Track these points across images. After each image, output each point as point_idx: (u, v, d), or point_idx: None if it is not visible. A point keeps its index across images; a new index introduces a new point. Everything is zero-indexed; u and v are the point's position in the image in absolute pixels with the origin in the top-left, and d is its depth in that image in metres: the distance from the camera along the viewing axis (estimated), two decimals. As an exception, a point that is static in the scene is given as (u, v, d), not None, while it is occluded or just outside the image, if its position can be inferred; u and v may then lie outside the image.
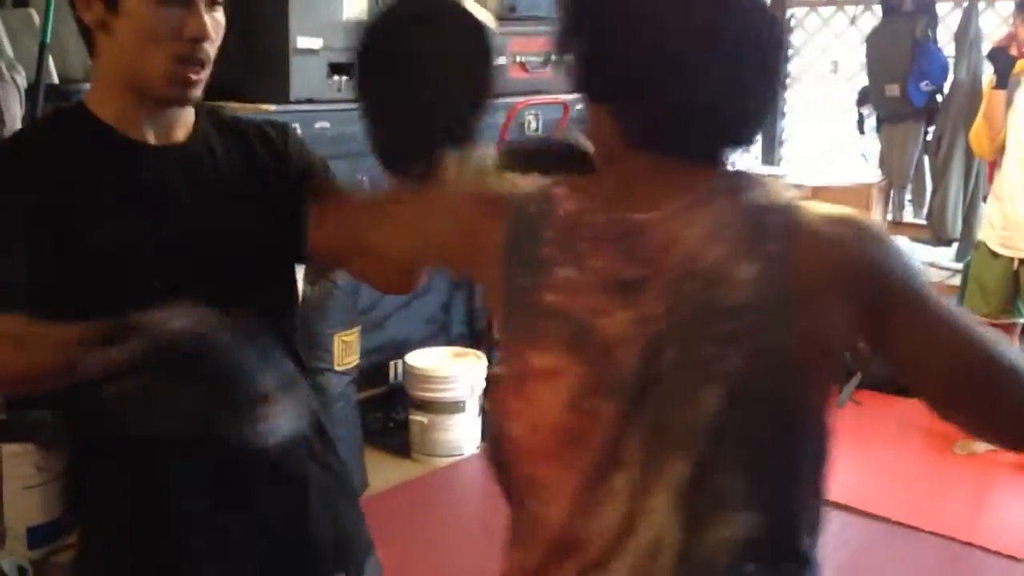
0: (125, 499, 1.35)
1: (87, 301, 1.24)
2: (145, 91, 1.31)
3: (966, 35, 4.92)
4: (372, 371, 4.00)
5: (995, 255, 3.82)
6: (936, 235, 5.08)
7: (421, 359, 3.95)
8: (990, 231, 3.89)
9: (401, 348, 4.01)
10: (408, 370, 3.91)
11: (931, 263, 5.07)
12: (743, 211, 1.00)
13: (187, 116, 1.40)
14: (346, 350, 3.46)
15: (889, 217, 5.39)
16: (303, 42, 3.29)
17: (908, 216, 5.42)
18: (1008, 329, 3.82)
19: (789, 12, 5.90)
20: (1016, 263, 3.78)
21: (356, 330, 3.51)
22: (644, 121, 1.01)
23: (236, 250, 1.38)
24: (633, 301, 0.99)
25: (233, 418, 1.11)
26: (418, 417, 3.88)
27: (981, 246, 3.95)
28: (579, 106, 4.48)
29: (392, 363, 4.11)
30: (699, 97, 0.98)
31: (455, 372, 3.89)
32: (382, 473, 3.70)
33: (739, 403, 0.96)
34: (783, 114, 6.10)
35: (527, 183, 1.11)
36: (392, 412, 4.07)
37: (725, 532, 0.97)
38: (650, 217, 1.00)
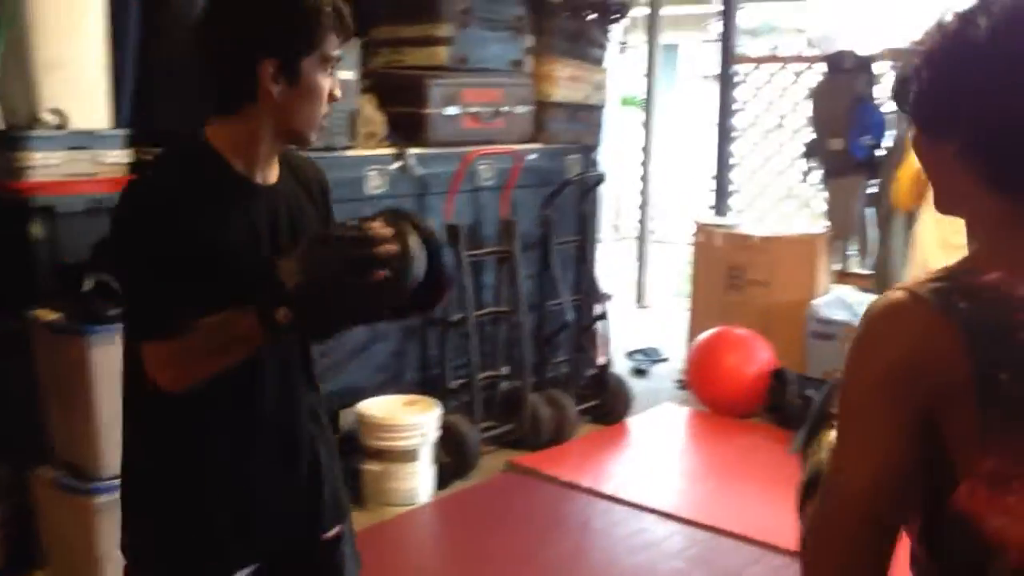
0: (173, 451, 1.64)
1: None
2: (294, 139, 1.62)
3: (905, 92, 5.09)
4: (324, 420, 3.95)
5: None
6: (880, 285, 5.19)
7: (374, 407, 3.92)
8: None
9: (353, 396, 3.99)
10: (361, 418, 3.89)
11: (876, 312, 5.17)
12: None
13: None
14: (298, 399, 3.43)
15: (835, 267, 5.51)
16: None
17: (854, 267, 5.54)
18: None
19: (735, 68, 6.06)
20: None
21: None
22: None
23: None
24: None
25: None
26: (371, 466, 3.85)
27: None
28: (532, 156, 4.49)
29: (344, 411, 4.08)
30: None
31: (409, 420, 3.87)
32: (333, 524, 3.65)
33: None
34: (731, 166, 6.24)
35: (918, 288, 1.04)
36: (344, 461, 4.02)
37: None
38: None
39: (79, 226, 3.12)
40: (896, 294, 1.03)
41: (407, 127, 4.19)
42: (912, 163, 3.91)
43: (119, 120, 3.36)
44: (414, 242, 1.54)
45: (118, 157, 3.24)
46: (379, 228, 1.50)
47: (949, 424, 0.99)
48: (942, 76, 1.06)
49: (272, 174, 1.65)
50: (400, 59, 4.37)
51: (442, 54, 4.36)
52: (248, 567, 1.69)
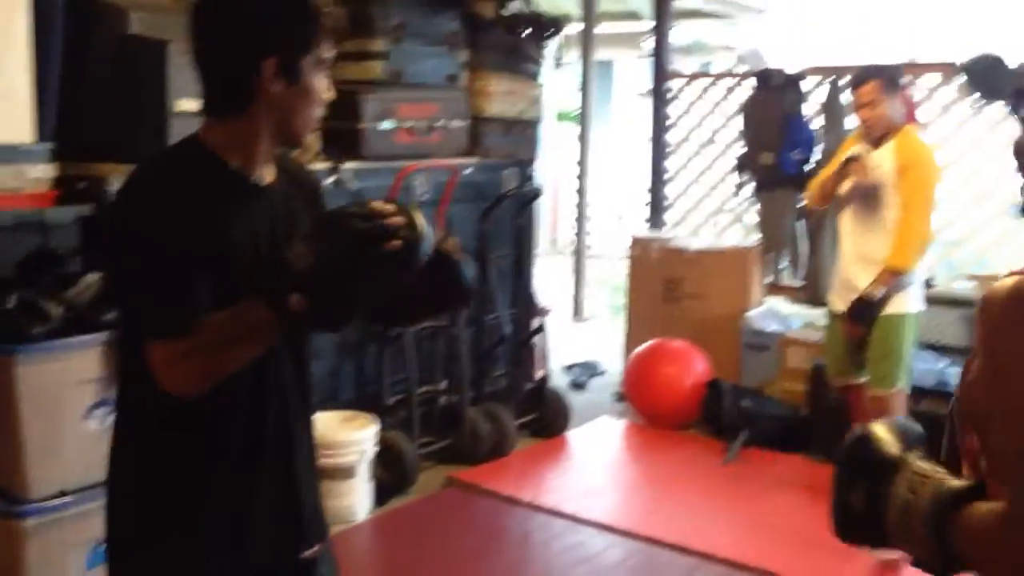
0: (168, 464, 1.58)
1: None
2: (290, 139, 1.62)
3: (832, 108, 5.21)
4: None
5: (838, 314, 3.86)
6: (811, 297, 5.29)
7: (310, 425, 3.87)
8: (831, 292, 3.98)
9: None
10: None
11: (808, 323, 5.27)
12: None
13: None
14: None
15: (768, 280, 5.60)
16: (182, 104, 3.27)
17: (785, 279, 5.63)
18: (855, 390, 3.88)
19: (668, 84, 6.14)
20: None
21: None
22: None
23: None
24: None
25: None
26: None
27: (829, 308, 4.00)
28: (468, 171, 4.50)
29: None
30: None
31: (346, 437, 3.84)
32: (269, 544, 3.59)
33: None
34: (666, 181, 6.31)
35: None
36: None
37: None
38: None
39: (3, 242, 3.04)
40: (1020, 279, 1.06)
41: (342, 141, 4.16)
42: (827, 169, 3.98)
43: (44, 134, 3.28)
44: (420, 217, 1.50)
45: (43, 172, 3.15)
46: (382, 204, 1.48)
47: None
48: None
49: (268, 175, 1.63)
50: (334, 73, 4.33)
51: (377, 69, 4.34)
52: None
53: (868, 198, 3.70)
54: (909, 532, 1.15)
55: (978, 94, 4.83)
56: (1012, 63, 4.72)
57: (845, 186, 3.76)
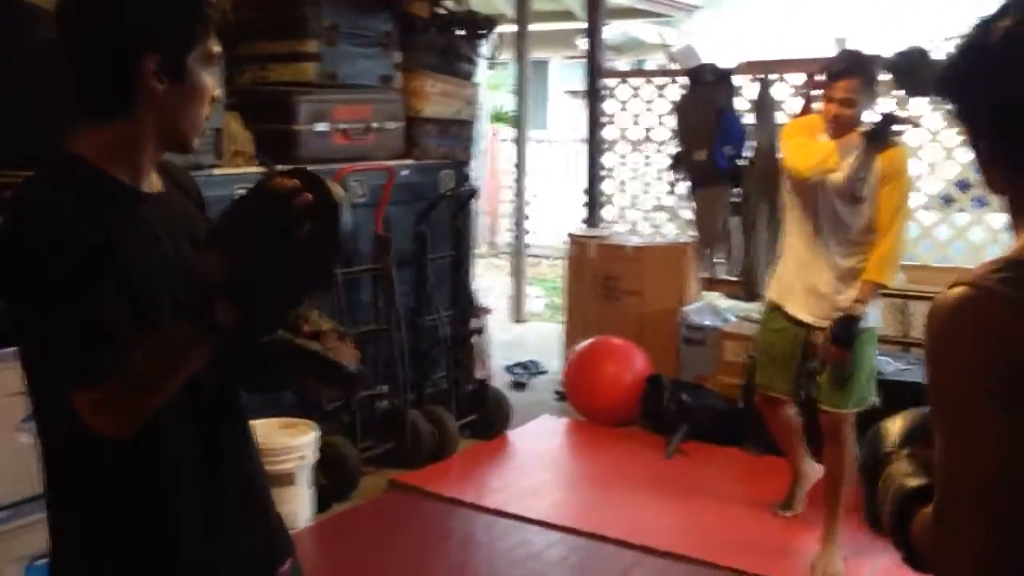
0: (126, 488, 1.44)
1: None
2: (177, 144, 1.48)
3: (764, 104, 5.29)
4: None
5: (796, 319, 3.61)
6: (747, 291, 5.37)
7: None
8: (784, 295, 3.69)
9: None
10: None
11: (744, 317, 5.35)
12: None
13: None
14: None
15: (704, 275, 5.67)
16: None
17: (721, 274, 5.70)
18: (778, 403, 3.74)
19: (602, 82, 6.19)
20: (808, 331, 3.58)
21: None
22: None
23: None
24: None
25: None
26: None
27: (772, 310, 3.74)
28: (405, 172, 4.45)
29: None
30: None
31: (285, 443, 3.79)
32: (209, 554, 3.55)
33: None
34: (602, 178, 6.35)
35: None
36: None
37: None
38: None
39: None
40: (964, 290, 1.07)
41: (276, 144, 4.12)
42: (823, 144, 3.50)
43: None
44: (334, 186, 1.36)
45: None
46: (283, 181, 1.31)
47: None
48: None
49: (155, 182, 1.51)
50: (266, 75, 4.29)
51: (309, 70, 4.30)
52: None
53: (845, 198, 3.43)
54: (883, 526, 1.22)
55: (903, 89, 4.94)
56: (937, 57, 4.84)
57: (837, 175, 3.41)
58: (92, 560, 1.46)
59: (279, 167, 1.44)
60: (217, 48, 1.48)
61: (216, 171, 3.83)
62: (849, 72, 3.39)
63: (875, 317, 3.58)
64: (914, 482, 1.20)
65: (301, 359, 1.52)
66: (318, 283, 1.44)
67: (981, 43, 1.15)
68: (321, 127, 4.26)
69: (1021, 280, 1.06)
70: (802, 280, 3.57)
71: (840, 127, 3.41)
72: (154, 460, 1.43)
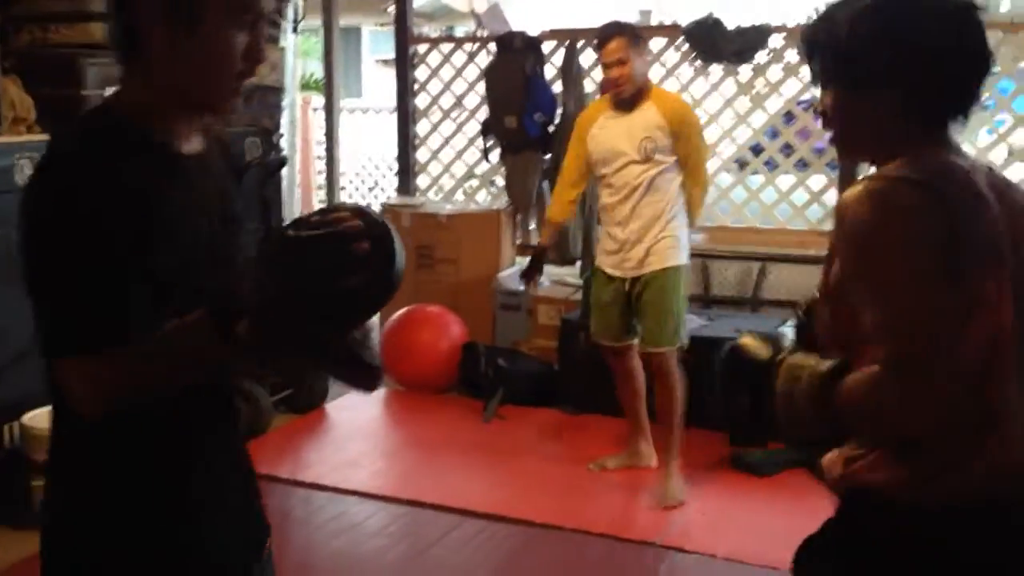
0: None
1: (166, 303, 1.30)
2: (205, 107, 1.36)
3: (570, 71, 5.38)
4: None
5: (610, 278, 3.89)
6: (560, 256, 5.46)
7: (40, 419, 3.59)
8: (603, 256, 3.96)
9: (16, 408, 3.62)
10: (26, 431, 3.54)
11: (558, 281, 5.45)
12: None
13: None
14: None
15: (518, 241, 5.74)
16: None
17: (534, 239, 5.77)
18: (624, 351, 3.94)
19: (412, 48, 6.12)
20: (628, 284, 3.83)
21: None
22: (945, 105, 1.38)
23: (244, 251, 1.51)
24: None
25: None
26: (42, 482, 3.52)
27: (598, 272, 3.99)
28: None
29: (7, 426, 3.70)
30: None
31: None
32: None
33: None
34: (415, 146, 6.30)
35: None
36: (11, 479, 3.65)
37: None
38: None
39: None
40: (886, 181, 1.31)
41: (61, 111, 3.85)
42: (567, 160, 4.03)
43: None
44: (395, 233, 1.29)
45: None
46: (347, 219, 1.23)
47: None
48: (885, 31, 1.36)
49: (195, 143, 1.40)
50: (47, 37, 4.01)
51: (97, 31, 4.04)
52: None
53: (642, 163, 3.71)
54: (795, 415, 1.36)
55: (700, 56, 5.12)
56: (731, 25, 5.04)
57: (627, 151, 3.74)
58: (93, 532, 1.37)
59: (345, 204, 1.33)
60: (253, 3, 1.31)
61: (-7, 140, 3.55)
62: (611, 35, 3.69)
63: (684, 255, 3.83)
64: (826, 365, 1.35)
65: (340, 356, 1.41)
66: (354, 326, 1.35)
67: None
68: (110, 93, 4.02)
69: (927, 176, 1.30)
70: (619, 238, 3.83)
71: (623, 89, 3.69)
72: (156, 433, 1.35)
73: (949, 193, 1.29)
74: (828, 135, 1.49)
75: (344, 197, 7.74)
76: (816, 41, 1.44)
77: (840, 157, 1.67)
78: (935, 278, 1.26)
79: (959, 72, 1.38)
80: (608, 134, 3.80)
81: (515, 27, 5.74)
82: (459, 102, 6.09)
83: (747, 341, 1.48)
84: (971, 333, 1.26)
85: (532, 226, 5.74)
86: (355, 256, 1.21)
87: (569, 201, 4.06)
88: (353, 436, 4.60)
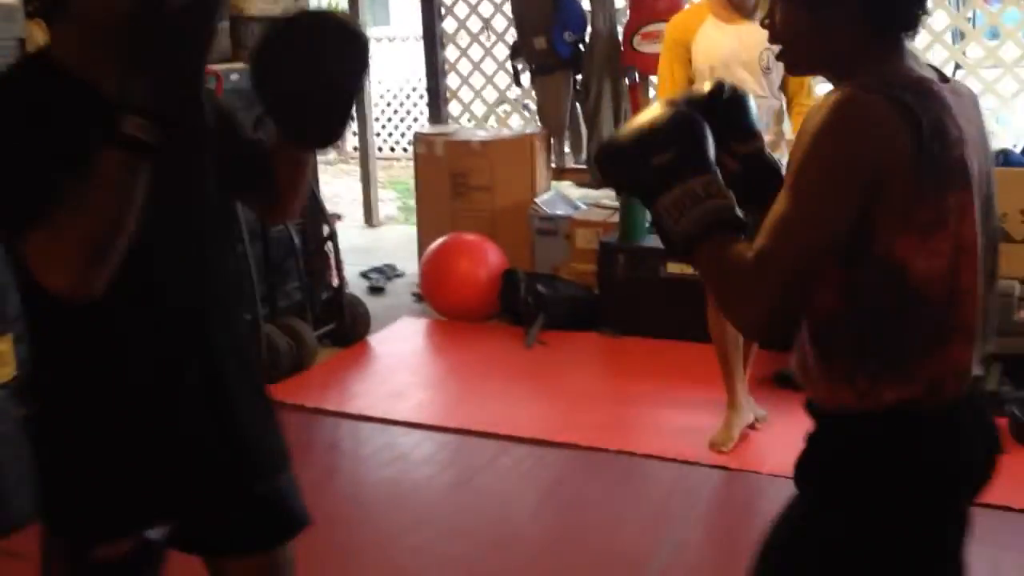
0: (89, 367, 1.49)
1: None
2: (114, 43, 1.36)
3: (599, -14, 5.24)
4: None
5: None
6: (596, 178, 5.40)
7: None
8: None
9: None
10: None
11: (595, 204, 5.40)
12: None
13: None
14: (-1, 361, 3.12)
15: (553, 165, 5.67)
16: None
17: (569, 162, 5.72)
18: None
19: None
20: None
21: (8, 337, 3.18)
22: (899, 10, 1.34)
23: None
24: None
25: None
26: None
27: None
28: (234, 76, 4.24)
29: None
30: None
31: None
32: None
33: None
34: (444, 72, 6.22)
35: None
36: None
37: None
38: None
39: None
40: (853, 92, 1.27)
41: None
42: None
43: None
44: None
45: None
46: None
47: (890, 190, 1.26)
48: None
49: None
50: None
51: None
52: (165, 520, 1.57)
53: (754, 73, 3.40)
54: (676, 217, 1.31)
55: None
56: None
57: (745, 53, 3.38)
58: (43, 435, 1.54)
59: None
60: None
61: None
62: None
63: None
64: (735, 213, 1.32)
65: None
66: (199, 38, 1.33)
67: None
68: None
69: (893, 91, 1.27)
70: None
71: None
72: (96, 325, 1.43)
73: (920, 109, 1.27)
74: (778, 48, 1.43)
75: (377, 128, 7.69)
76: None
77: (789, 72, 1.56)
78: (845, 204, 1.26)
79: None
80: (719, 40, 3.42)
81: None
82: (487, 25, 5.98)
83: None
84: (934, 247, 1.27)
85: (567, 149, 5.67)
86: None
87: None
88: (397, 367, 4.63)
